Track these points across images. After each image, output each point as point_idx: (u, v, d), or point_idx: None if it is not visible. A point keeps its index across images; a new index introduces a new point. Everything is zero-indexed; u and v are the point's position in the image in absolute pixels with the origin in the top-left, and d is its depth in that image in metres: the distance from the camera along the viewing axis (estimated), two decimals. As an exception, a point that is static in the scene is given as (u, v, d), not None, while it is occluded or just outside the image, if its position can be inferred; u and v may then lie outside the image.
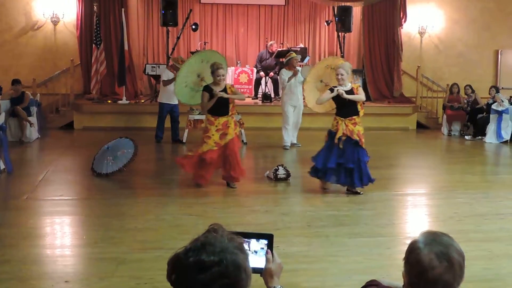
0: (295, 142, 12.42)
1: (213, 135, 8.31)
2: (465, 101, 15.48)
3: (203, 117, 12.75)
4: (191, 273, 1.86)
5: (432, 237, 2.22)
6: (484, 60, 17.46)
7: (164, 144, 12.49)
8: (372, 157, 10.48)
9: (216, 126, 8.34)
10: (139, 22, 17.03)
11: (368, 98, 16.17)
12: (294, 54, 12.24)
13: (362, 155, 8.25)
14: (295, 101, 12.10)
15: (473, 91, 15.46)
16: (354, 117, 8.23)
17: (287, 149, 12.07)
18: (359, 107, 8.36)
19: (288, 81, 11.84)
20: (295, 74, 11.73)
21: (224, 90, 8.29)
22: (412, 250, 2.21)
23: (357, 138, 8.15)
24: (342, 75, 8.14)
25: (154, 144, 12.40)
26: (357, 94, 8.20)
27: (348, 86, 8.22)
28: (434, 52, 17.38)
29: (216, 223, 2.02)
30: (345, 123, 8.20)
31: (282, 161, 9.92)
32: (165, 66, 13.95)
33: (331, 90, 8.21)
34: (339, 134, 8.14)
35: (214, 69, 8.22)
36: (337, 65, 8.52)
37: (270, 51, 16.22)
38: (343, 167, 8.20)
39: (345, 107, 8.24)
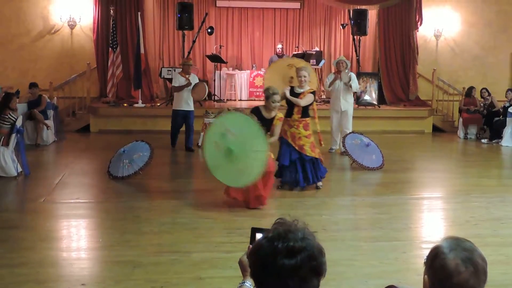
0: (333, 147, 12.09)
1: None
2: (481, 104, 15.38)
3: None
4: (280, 259, 1.96)
5: (456, 243, 2.22)
6: (501, 63, 17.34)
7: (180, 148, 12.44)
8: (387, 161, 10.53)
9: None
10: (155, 26, 17.13)
11: (383, 102, 16.24)
12: (342, 57, 12.14)
13: (302, 155, 8.51)
14: (337, 106, 11.80)
15: (489, 94, 15.34)
16: (289, 118, 8.51)
17: (331, 152, 11.97)
18: (310, 112, 8.76)
19: (329, 86, 11.75)
20: (336, 78, 11.61)
21: (273, 118, 7.80)
22: (437, 255, 2.21)
23: (289, 140, 8.45)
24: (305, 77, 8.49)
25: (170, 147, 12.38)
26: (300, 98, 8.45)
27: (303, 89, 8.54)
28: (450, 55, 17.29)
29: (281, 217, 2.17)
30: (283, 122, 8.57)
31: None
32: (180, 70, 13.87)
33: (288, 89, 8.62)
34: None
35: (270, 94, 7.75)
36: (300, 67, 8.78)
37: (278, 54, 16.27)
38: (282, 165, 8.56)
39: (288, 107, 8.63)
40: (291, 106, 8.58)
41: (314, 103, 8.73)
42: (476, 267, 2.15)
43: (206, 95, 13.05)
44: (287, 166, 8.52)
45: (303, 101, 8.47)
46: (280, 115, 7.89)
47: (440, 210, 8.15)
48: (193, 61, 15.87)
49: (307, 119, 8.61)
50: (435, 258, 2.21)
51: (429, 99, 16.55)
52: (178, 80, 12.08)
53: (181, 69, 12.56)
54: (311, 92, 8.56)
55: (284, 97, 8.47)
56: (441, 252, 2.20)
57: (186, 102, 12.09)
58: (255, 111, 7.84)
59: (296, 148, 8.45)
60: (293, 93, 8.52)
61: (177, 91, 12.09)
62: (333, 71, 12.11)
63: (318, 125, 9.04)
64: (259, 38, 18.09)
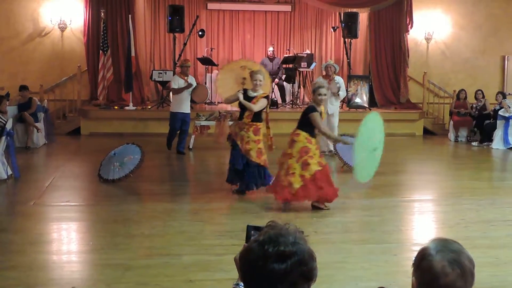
0: (324, 150, 11.69)
1: (314, 154, 7.73)
2: (473, 106, 15.42)
3: (209, 123, 12.72)
4: (270, 264, 1.94)
5: (443, 244, 2.22)
6: (491, 66, 17.42)
7: (171, 151, 12.39)
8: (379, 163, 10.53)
9: (314, 145, 7.84)
10: (146, 29, 17.09)
11: (374, 104, 16.26)
12: (331, 61, 12.12)
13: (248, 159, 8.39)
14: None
15: (483, 96, 15.38)
16: (240, 121, 8.51)
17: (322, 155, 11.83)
18: (264, 115, 8.55)
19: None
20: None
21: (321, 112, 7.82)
22: (424, 256, 2.20)
23: (238, 142, 8.35)
24: (260, 81, 8.41)
25: (161, 150, 12.31)
26: (253, 102, 8.29)
27: (256, 93, 8.41)
28: (440, 58, 17.35)
29: (272, 220, 2.14)
30: (235, 125, 8.65)
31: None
32: (172, 73, 13.79)
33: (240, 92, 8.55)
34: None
35: (315, 88, 7.74)
36: (255, 71, 8.70)
37: (269, 57, 16.27)
38: (234, 168, 8.45)
39: (240, 110, 8.57)
40: (242, 109, 8.44)
41: (268, 107, 8.63)
42: (463, 269, 2.14)
43: (208, 98, 13.01)
44: (241, 170, 8.37)
45: (256, 107, 8.28)
46: (323, 108, 7.85)
47: (430, 213, 8.18)
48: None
49: (258, 123, 8.41)
50: (422, 260, 2.21)
51: (419, 102, 16.60)
52: (178, 82, 11.96)
53: (173, 71, 12.50)
54: (265, 97, 8.43)
55: (235, 99, 8.48)
56: (428, 254, 2.19)
57: (185, 105, 12.01)
58: (313, 109, 7.67)
59: (242, 151, 8.29)
60: (246, 96, 8.36)
61: (176, 93, 11.96)
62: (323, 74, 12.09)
63: (271, 130, 8.80)
64: (250, 41, 18.08)
